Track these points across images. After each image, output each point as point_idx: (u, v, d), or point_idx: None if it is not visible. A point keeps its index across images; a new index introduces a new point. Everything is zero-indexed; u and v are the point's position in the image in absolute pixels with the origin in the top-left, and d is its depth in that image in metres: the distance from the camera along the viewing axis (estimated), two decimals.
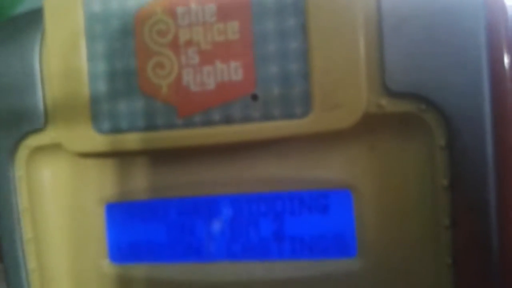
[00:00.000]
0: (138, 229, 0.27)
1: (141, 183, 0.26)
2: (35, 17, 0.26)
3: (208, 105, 0.23)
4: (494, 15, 0.22)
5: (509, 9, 0.23)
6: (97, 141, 0.25)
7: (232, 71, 0.23)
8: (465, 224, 0.22)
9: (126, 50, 0.24)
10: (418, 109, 0.22)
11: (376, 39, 0.22)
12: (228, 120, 0.23)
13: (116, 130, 0.24)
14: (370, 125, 0.23)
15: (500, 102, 0.22)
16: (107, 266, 0.27)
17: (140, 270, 0.27)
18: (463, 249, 0.22)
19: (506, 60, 0.22)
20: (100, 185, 0.27)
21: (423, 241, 0.23)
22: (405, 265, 0.24)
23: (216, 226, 0.26)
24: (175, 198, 0.26)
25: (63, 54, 0.25)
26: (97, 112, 0.24)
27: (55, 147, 0.26)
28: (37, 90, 0.26)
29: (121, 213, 0.27)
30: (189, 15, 0.23)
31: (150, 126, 0.24)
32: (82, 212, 0.27)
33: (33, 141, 0.26)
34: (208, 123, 0.24)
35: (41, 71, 0.26)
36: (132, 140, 0.24)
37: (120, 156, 0.26)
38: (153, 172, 0.26)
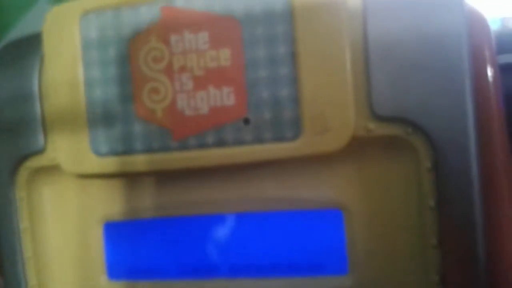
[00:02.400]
0: (135, 247, 0.28)
1: (139, 202, 0.27)
2: (34, 42, 0.27)
3: (201, 128, 0.24)
4: (478, 40, 0.23)
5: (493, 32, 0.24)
6: (96, 163, 0.25)
7: (225, 96, 0.24)
8: (452, 243, 0.23)
9: (122, 76, 0.25)
10: (404, 133, 0.23)
11: (363, 66, 0.23)
12: (221, 143, 0.24)
13: (113, 152, 0.25)
14: (359, 148, 0.24)
15: (484, 125, 0.23)
16: (105, 282, 0.28)
17: (136, 286, 0.27)
18: (450, 268, 0.23)
19: (490, 83, 0.23)
20: (98, 204, 0.27)
21: (412, 258, 0.24)
22: (395, 282, 0.25)
23: (209, 245, 0.27)
24: (171, 217, 0.27)
25: (62, 78, 0.25)
26: (95, 135, 0.25)
27: (54, 168, 0.27)
28: (36, 113, 0.26)
29: (119, 231, 0.28)
30: (182, 42, 0.24)
31: (146, 149, 0.25)
32: (81, 230, 0.28)
33: (33, 163, 0.27)
34: (201, 145, 0.24)
35: (40, 95, 0.27)
36: (129, 162, 0.25)
37: (118, 177, 0.26)
38: (150, 192, 0.27)
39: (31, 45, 0.27)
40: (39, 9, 0.56)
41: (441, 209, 0.23)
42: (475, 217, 0.22)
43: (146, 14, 0.25)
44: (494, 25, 0.43)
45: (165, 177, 0.26)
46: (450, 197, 0.23)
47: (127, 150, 0.25)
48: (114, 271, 0.28)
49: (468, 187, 0.22)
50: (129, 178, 0.27)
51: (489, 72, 0.23)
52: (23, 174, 0.27)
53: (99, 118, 0.25)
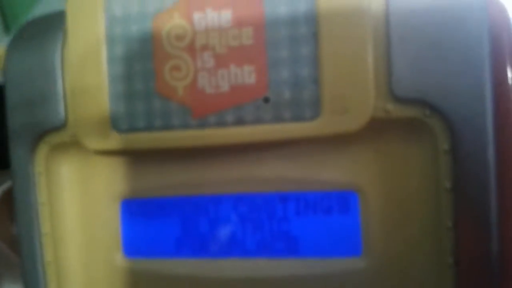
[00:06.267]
0: (151, 225, 0.28)
1: (156, 181, 0.27)
2: (57, 19, 0.27)
3: (221, 107, 0.24)
4: (497, 24, 0.23)
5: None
6: (116, 139, 0.26)
7: (246, 74, 0.24)
8: (467, 226, 0.23)
9: (144, 53, 0.25)
10: (422, 115, 0.23)
11: (383, 47, 0.23)
12: (240, 121, 0.24)
13: (133, 129, 0.26)
14: (376, 129, 0.24)
15: (503, 109, 0.23)
16: (120, 260, 0.28)
17: (152, 264, 0.28)
18: (464, 250, 0.23)
19: (508, 67, 0.23)
20: (116, 182, 0.28)
21: (426, 241, 0.24)
22: (408, 265, 0.25)
23: (226, 224, 0.27)
24: (187, 196, 0.27)
25: (85, 56, 0.26)
26: (115, 112, 0.26)
27: (74, 144, 0.27)
28: (58, 89, 0.27)
29: (135, 209, 0.28)
30: (205, 20, 0.24)
31: (166, 126, 0.25)
32: (98, 207, 0.28)
33: (53, 138, 0.27)
34: (221, 124, 0.25)
35: (63, 69, 0.27)
36: (149, 139, 0.25)
37: (136, 154, 0.27)
38: (167, 171, 0.27)
39: (54, 21, 0.28)
40: (50, 1, 0.56)
41: (457, 191, 0.23)
42: (490, 200, 0.23)
43: None
44: None
45: (184, 156, 0.26)
46: (466, 179, 0.23)
47: (147, 127, 0.25)
48: (130, 249, 0.28)
49: (484, 170, 0.23)
50: (148, 156, 0.27)
51: (508, 56, 0.23)
52: (42, 149, 0.27)
53: (120, 94, 0.25)
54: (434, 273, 0.24)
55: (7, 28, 0.58)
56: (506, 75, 0.23)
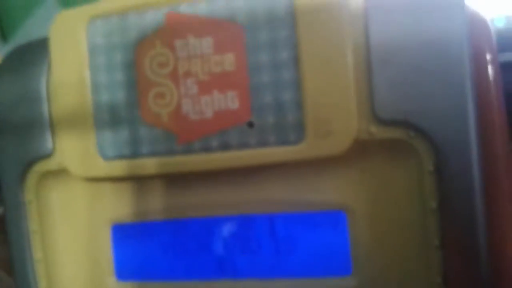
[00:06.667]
0: (142, 248, 0.28)
1: (146, 205, 0.27)
2: (43, 46, 0.27)
3: (206, 132, 0.25)
4: (479, 43, 0.23)
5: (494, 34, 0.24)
6: (103, 166, 0.26)
7: (229, 100, 0.24)
8: (454, 244, 0.23)
9: (128, 81, 0.25)
10: (407, 136, 0.23)
11: (365, 69, 0.23)
12: (225, 146, 0.24)
13: (120, 156, 0.26)
14: (361, 151, 0.24)
15: (486, 128, 0.23)
16: (113, 283, 0.28)
17: (144, 287, 0.28)
18: (452, 269, 0.23)
19: (491, 86, 0.23)
20: (106, 207, 0.28)
21: (414, 259, 0.24)
22: (398, 283, 0.25)
23: (215, 246, 0.27)
24: (178, 219, 0.27)
25: (69, 83, 0.26)
26: (102, 139, 0.26)
27: (62, 172, 0.27)
28: (44, 117, 0.27)
29: (126, 233, 0.28)
30: (187, 47, 0.24)
31: (152, 152, 0.25)
32: (90, 232, 0.28)
33: (42, 166, 0.27)
34: (206, 149, 0.25)
35: (48, 98, 0.27)
36: (135, 165, 0.25)
37: (125, 180, 0.27)
38: (157, 195, 0.27)
39: (39, 49, 0.28)
40: (46, 10, 0.57)
41: (443, 211, 0.23)
42: (477, 219, 0.23)
43: (151, 19, 0.25)
44: (499, 23, 0.43)
45: (171, 180, 0.27)
46: (452, 199, 0.23)
47: (133, 154, 0.26)
48: (122, 273, 0.28)
49: (470, 189, 0.23)
50: (136, 181, 0.27)
51: (491, 75, 0.23)
52: (32, 177, 0.28)
53: (106, 122, 0.26)
54: None
55: (3, 37, 0.58)
56: (489, 94, 0.23)
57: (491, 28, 0.24)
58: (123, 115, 0.25)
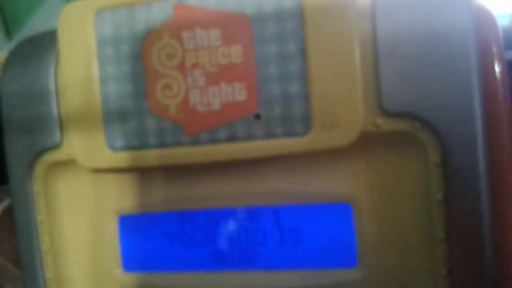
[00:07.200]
0: (149, 239, 0.28)
1: (153, 196, 0.28)
2: (50, 38, 0.28)
3: (213, 124, 0.25)
4: (486, 35, 0.23)
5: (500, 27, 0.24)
6: (111, 158, 0.26)
7: (236, 92, 0.24)
8: (459, 237, 0.23)
9: (136, 73, 0.25)
10: (413, 128, 0.23)
11: (372, 62, 0.23)
12: (232, 138, 0.25)
13: (128, 147, 0.26)
14: (367, 143, 0.24)
15: (492, 120, 0.23)
16: (120, 275, 0.29)
17: (151, 278, 0.28)
18: (457, 261, 0.23)
19: (497, 79, 0.23)
20: (113, 198, 0.28)
21: (420, 252, 0.25)
22: (403, 275, 0.25)
23: (221, 237, 0.27)
24: (184, 210, 0.28)
25: (77, 75, 0.26)
26: (110, 130, 0.26)
27: (70, 163, 0.27)
28: (52, 110, 0.27)
29: (133, 224, 0.28)
30: (194, 39, 0.25)
31: (159, 144, 0.25)
32: (96, 223, 0.29)
33: (50, 157, 0.28)
34: (213, 141, 0.25)
35: (56, 90, 0.27)
36: (143, 157, 0.26)
37: (132, 171, 0.27)
38: (164, 186, 0.27)
39: (46, 42, 0.28)
40: (51, 5, 0.57)
41: (449, 203, 0.23)
42: (482, 211, 0.23)
43: (159, 11, 0.25)
44: (503, 21, 0.43)
45: (178, 172, 0.27)
46: (457, 191, 0.23)
47: (141, 145, 0.26)
48: (129, 264, 0.29)
49: (475, 182, 0.23)
50: (143, 173, 0.27)
51: (497, 68, 0.23)
52: (39, 168, 0.28)
53: (114, 114, 0.26)
54: (428, 284, 0.24)
55: (8, 34, 0.58)
56: (495, 87, 0.23)
57: (497, 23, 0.24)
58: (131, 106, 0.26)
